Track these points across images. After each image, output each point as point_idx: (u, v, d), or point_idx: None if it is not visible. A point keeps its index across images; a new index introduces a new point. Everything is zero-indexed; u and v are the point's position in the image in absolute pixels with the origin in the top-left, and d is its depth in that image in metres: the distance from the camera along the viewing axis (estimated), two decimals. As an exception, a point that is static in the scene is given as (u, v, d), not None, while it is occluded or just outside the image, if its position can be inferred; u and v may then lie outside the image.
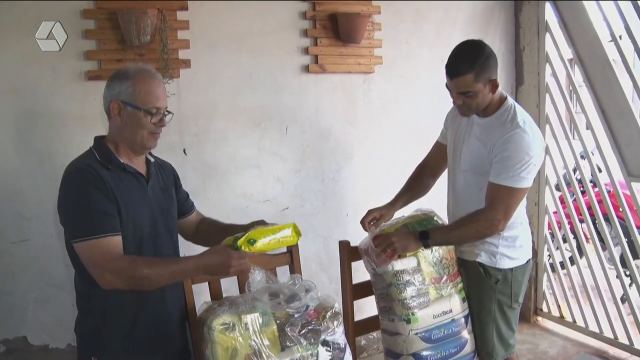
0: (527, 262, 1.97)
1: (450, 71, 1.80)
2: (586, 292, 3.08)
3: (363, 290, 1.99)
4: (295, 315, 1.53)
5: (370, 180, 2.85)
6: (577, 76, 3.02)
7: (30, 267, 2.19)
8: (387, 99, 2.86)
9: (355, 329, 1.98)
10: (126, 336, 1.51)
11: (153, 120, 1.52)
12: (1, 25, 2.06)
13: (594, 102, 2.85)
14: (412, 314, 1.79)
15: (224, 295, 1.75)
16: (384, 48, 2.79)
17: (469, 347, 1.91)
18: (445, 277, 1.86)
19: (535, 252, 3.14)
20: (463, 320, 1.90)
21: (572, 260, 3.19)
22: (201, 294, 1.73)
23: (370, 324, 2.02)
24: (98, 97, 1.56)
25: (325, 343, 1.56)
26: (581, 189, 3.29)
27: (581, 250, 3.14)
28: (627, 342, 2.90)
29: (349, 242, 1.98)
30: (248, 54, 2.50)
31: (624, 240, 2.95)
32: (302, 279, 1.65)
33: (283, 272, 1.86)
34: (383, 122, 2.86)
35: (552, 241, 3.32)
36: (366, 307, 2.05)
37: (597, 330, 3.05)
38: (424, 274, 1.82)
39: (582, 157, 3.13)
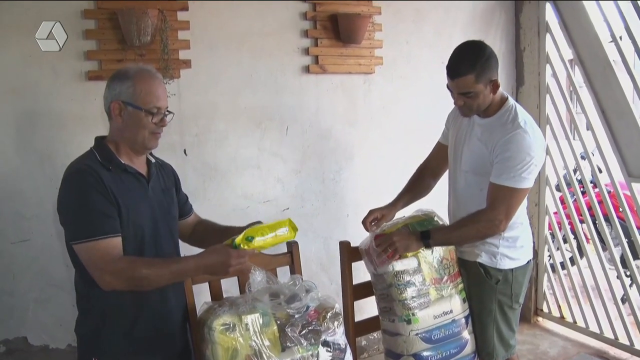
0: (528, 262, 1.97)
1: (451, 72, 1.80)
2: (586, 293, 3.08)
3: (363, 290, 1.99)
4: (296, 316, 1.53)
5: (370, 181, 2.85)
6: (578, 77, 3.03)
7: (31, 267, 2.19)
8: (388, 99, 2.86)
9: (355, 329, 1.98)
10: (126, 336, 1.51)
11: (154, 120, 1.52)
12: (1, 25, 2.06)
13: (594, 102, 2.85)
14: (413, 314, 1.79)
15: (224, 295, 1.75)
16: (385, 48, 2.79)
17: (469, 348, 1.91)
18: (445, 278, 1.86)
19: (535, 253, 3.14)
20: (463, 320, 1.90)
21: (573, 261, 3.20)
22: (202, 295, 1.73)
23: (370, 325, 2.02)
24: (98, 98, 1.56)
25: (325, 343, 1.56)
26: (581, 189, 3.29)
27: (581, 251, 3.14)
28: (627, 343, 2.90)
29: (349, 243, 1.98)
30: (248, 54, 2.50)
31: (624, 241, 2.95)
32: (302, 279, 1.65)
33: (283, 273, 1.86)
34: (383, 122, 2.86)
35: (553, 241, 3.33)
36: (367, 308, 2.05)
37: (598, 331, 3.05)
38: (424, 274, 1.82)
39: (582, 157, 3.13)
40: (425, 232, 1.80)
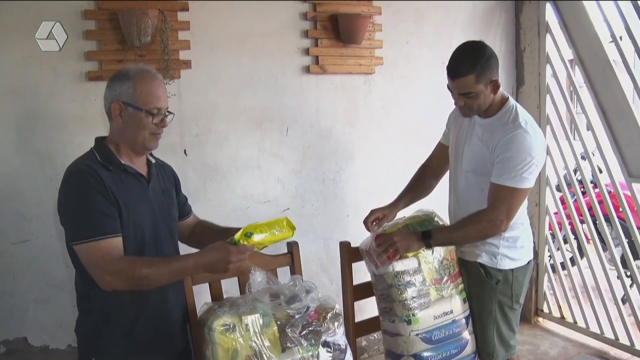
0: (528, 263, 1.97)
1: (451, 72, 1.80)
2: (587, 293, 3.08)
3: (364, 291, 1.99)
4: (296, 316, 1.53)
5: (370, 181, 2.84)
6: (578, 77, 3.03)
7: (31, 267, 2.19)
8: (388, 99, 2.86)
9: (355, 329, 1.98)
10: (127, 337, 1.51)
11: (154, 120, 1.52)
12: (2, 26, 2.06)
13: (594, 102, 2.85)
14: (413, 314, 1.78)
15: (224, 296, 1.75)
16: (385, 49, 2.79)
17: (469, 348, 1.91)
18: (446, 278, 1.86)
19: (536, 253, 3.14)
20: (464, 321, 1.90)
21: (573, 261, 3.20)
22: (202, 295, 1.73)
23: (371, 325, 2.02)
24: (99, 98, 1.56)
25: (326, 344, 1.56)
26: (582, 189, 3.29)
27: (582, 251, 3.14)
28: (628, 343, 2.90)
29: (349, 243, 1.98)
30: (249, 54, 2.50)
31: (625, 241, 2.94)
32: (302, 279, 1.65)
33: (284, 273, 1.86)
34: (384, 122, 2.86)
35: (553, 242, 3.32)
36: (367, 308, 2.05)
37: (598, 331, 3.05)
38: (424, 274, 1.82)
39: (582, 157, 3.13)
40: (426, 232, 1.80)
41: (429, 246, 1.80)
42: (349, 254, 1.97)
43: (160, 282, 1.46)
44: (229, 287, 1.84)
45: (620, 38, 2.69)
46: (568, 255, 3.27)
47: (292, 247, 1.93)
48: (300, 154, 2.68)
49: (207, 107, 2.44)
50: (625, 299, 2.97)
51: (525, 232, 1.96)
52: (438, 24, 2.96)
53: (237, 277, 1.79)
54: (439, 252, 1.86)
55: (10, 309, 2.18)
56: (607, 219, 3.04)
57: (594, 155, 3.05)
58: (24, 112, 2.14)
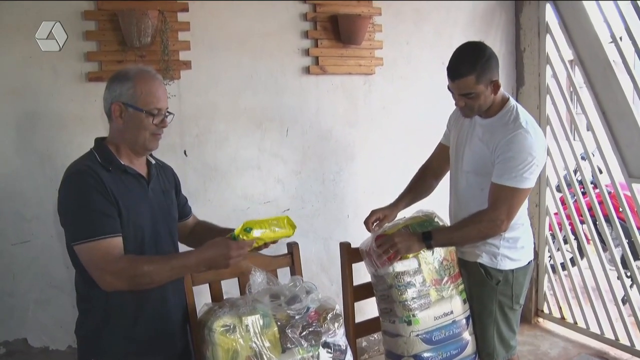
0: (529, 263, 1.97)
1: (451, 73, 1.80)
2: (587, 293, 3.08)
3: (364, 291, 1.98)
4: (296, 317, 1.53)
5: (371, 182, 2.84)
6: (578, 77, 3.03)
7: (31, 268, 2.19)
8: (388, 100, 2.86)
9: (356, 330, 1.98)
10: (127, 337, 1.51)
11: (155, 121, 1.52)
12: (2, 26, 2.06)
13: (594, 103, 2.85)
14: (413, 315, 1.78)
15: (224, 296, 1.75)
16: (385, 49, 2.79)
17: (470, 349, 1.91)
18: (446, 279, 1.86)
19: (536, 253, 3.14)
20: (464, 321, 1.89)
21: (573, 261, 3.20)
22: (202, 296, 1.73)
23: (371, 326, 2.02)
24: (98, 99, 1.56)
25: (326, 345, 1.56)
26: (582, 190, 3.29)
27: (582, 251, 3.14)
28: (628, 344, 2.90)
29: (349, 244, 1.98)
30: (249, 55, 2.50)
31: (625, 241, 2.94)
32: (302, 280, 1.65)
33: (284, 274, 1.86)
34: (384, 123, 2.86)
35: (553, 242, 3.33)
36: (367, 309, 2.05)
37: (598, 332, 3.05)
38: (424, 275, 1.82)
39: (582, 158, 3.13)
40: (426, 233, 1.80)
41: (429, 247, 1.80)
42: (349, 254, 1.97)
43: (161, 280, 1.45)
44: (229, 287, 1.84)
45: (620, 38, 2.69)
46: (568, 256, 3.27)
47: (292, 247, 1.93)
48: (301, 155, 2.68)
49: (207, 107, 2.44)
50: (626, 300, 2.97)
51: (525, 232, 1.96)
52: (438, 25, 2.96)
53: (237, 277, 1.79)
54: (439, 252, 1.86)
55: (10, 310, 2.18)
56: (607, 220, 3.04)
57: (594, 155, 3.05)
58: (24, 113, 2.14)
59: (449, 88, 1.86)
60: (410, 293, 1.78)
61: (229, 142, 2.51)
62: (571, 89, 3.18)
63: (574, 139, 3.05)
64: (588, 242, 3.18)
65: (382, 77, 2.82)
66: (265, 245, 1.61)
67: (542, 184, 3.17)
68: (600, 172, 3.07)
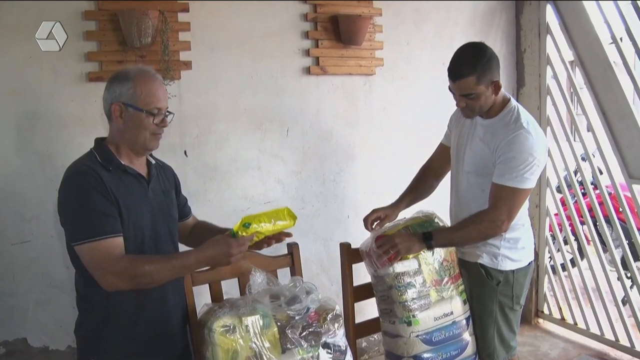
0: (529, 264, 1.97)
1: (452, 74, 1.80)
2: (587, 294, 3.08)
3: (364, 292, 1.98)
4: (296, 318, 1.53)
5: (371, 182, 2.84)
6: (578, 78, 3.03)
7: (31, 268, 2.19)
8: (388, 100, 2.86)
9: (356, 331, 1.98)
10: (127, 337, 1.51)
11: (155, 121, 1.52)
12: (2, 26, 2.06)
13: (594, 104, 2.85)
14: (413, 316, 1.78)
15: (224, 297, 1.75)
16: (385, 50, 2.79)
17: (470, 349, 1.91)
18: (446, 279, 1.86)
19: (536, 254, 3.14)
20: (464, 322, 1.89)
21: (573, 262, 3.19)
22: (202, 296, 1.73)
23: (371, 326, 2.01)
24: (99, 99, 1.56)
25: (326, 345, 1.56)
26: (582, 190, 3.29)
27: (582, 252, 3.14)
28: (628, 344, 2.90)
29: (349, 244, 1.98)
30: (249, 55, 2.50)
31: (625, 242, 2.94)
32: (302, 281, 1.65)
33: (284, 274, 1.86)
34: (384, 123, 2.86)
35: (553, 243, 3.32)
36: (367, 309, 2.05)
37: (598, 332, 3.05)
38: (424, 276, 1.82)
39: (583, 159, 3.13)
40: (427, 234, 1.80)
41: (430, 247, 1.80)
42: (349, 255, 1.96)
43: (162, 279, 1.45)
44: (229, 288, 1.84)
45: (621, 39, 2.69)
46: (568, 257, 3.27)
47: (293, 248, 1.93)
48: (301, 155, 2.68)
49: (207, 107, 2.44)
50: (626, 300, 2.97)
51: (526, 233, 1.96)
52: (438, 25, 2.96)
53: (237, 278, 1.79)
54: (439, 253, 1.86)
55: (10, 310, 2.18)
56: (608, 220, 3.04)
57: (594, 156, 3.05)
58: (24, 113, 2.14)
59: (449, 89, 1.86)
60: (410, 294, 1.78)
61: (229, 143, 2.51)
62: (571, 90, 3.18)
63: (575, 140, 3.05)
64: (588, 243, 3.18)
65: (383, 77, 2.82)
66: (268, 240, 1.61)
67: (542, 185, 3.17)
68: (601, 172, 3.07)
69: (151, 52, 2.25)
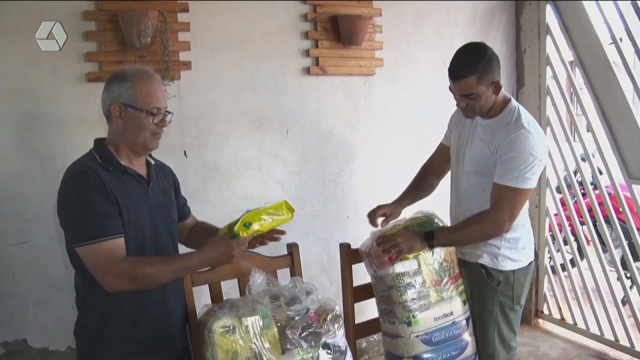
0: (529, 264, 1.97)
1: (452, 74, 1.80)
2: (587, 294, 3.08)
3: (364, 292, 1.98)
4: (296, 318, 1.53)
5: (371, 182, 2.84)
6: (578, 78, 3.03)
7: (31, 268, 2.19)
8: (388, 100, 2.86)
9: (356, 331, 1.97)
10: (126, 338, 1.51)
11: (155, 120, 1.52)
12: (2, 26, 2.06)
13: (594, 104, 2.85)
14: (413, 316, 1.78)
15: (224, 297, 1.75)
16: (385, 50, 2.79)
17: (470, 350, 1.91)
18: (446, 280, 1.86)
19: (536, 254, 3.13)
20: (464, 322, 1.89)
21: (573, 263, 3.19)
22: (202, 297, 1.73)
23: (371, 327, 2.01)
24: (98, 99, 1.56)
25: (326, 346, 1.56)
26: (582, 191, 3.29)
27: (582, 252, 3.13)
28: (628, 345, 2.90)
29: (349, 245, 1.98)
30: (249, 55, 2.50)
31: (625, 242, 2.94)
32: (302, 281, 1.65)
33: (284, 275, 1.86)
34: (384, 124, 2.86)
35: (553, 243, 3.32)
36: (367, 310, 2.04)
37: (598, 333, 3.05)
38: (424, 276, 1.82)
39: (582, 159, 3.13)
40: (429, 233, 1.80)
41: (431, 246, 1.80)
42: (349, 255, 1.96)
43: (164, 280, 1.47)
44: (229, 288, 1.84)
45: (621, 39, 2.69)
46: (568, 257, 3.27)
47: (292, 248, 1.93)
48: (301, 155, 2.68)
49: (207, 108, 2.44)
50: (625, 301, 2.97)
51: (526, 233, 1.96)
52: (438, 25, 2.96)
53: (237, 278, 1.79)
54: (439, 253, 1.86)
55: (10, 311, 2.18)
56: (607, 221, 3.05)
57: (594, 156, 3.05)
58: (24, 113, 2.14)
59: (450, 89, 1.86)
60: (410, 294, 1.78)
61: (229, 143, 2.51)
62: (571, 90, 3.18)
63: (574, 140, 3.05)
64: (588, 243, 3.18)
65: (383, 77, 2.82)
66: (262, 240, 1.62)
67: (542, 185, 3.17)
68: (600, 173, 3.07)
69: (151, 52, 2.25)
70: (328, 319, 1.56)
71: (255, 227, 1.51)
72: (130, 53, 2.22)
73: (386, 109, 2.86)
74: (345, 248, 1.97)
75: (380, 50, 2.78)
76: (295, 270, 1.91)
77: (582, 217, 3.12)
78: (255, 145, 2.57)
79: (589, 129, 2.93)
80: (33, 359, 2.23)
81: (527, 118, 1.83)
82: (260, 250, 1.72)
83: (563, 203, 3.25)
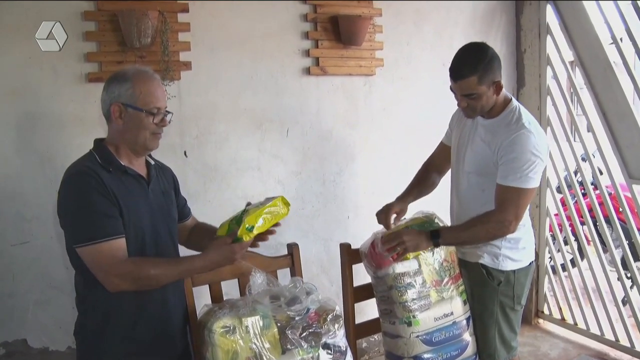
0: (530, 264, 1.97)
1: (453, 74, 1.80)
2: (587, 294, 3.07)
3: (364, 292, 1.98)
4: (296, 318, 1.53)
5: (371, 182, 2.84)
6: (578, 78, 3.03)
7: (31, 268, 2.19)
8: (388, 100, 2.85)
9: (356, 331, 1.97)
10: (127, 338, 1.51)
11: (155, 120, 1.52)
12: (2, 26, 2.06)
13: (594, 104, 2.85)
14: (413, 316, 1.78)
15: (224, 298, 1.75)
16: (385, 50, 2.79)
17: (470, 350, 1.91)
18: (446, 280, 1.86)
19: (536, 254, 3.13)
20: (464, 322, 1.89)
21: (573, 263, 3.19)
22: (202, 297, 1.73)
23: (371, 327, 2.01)
24: (98, 99, 1.56)
25: (326, 346, 1.56)
26: (582, 191, 3.29)
27: (582, 252, 3.13)
28: (628, 345, 2.90)
29: (349, 245, 1.97)
30: (249, 56, 2.50)
31: (625, 242, 2.94)
32: (303, 281, 1.65)
33: (284, 275, 1.86)
34: (384, 124, 2.86)
35: (554, 243, 3.32)
36: (367, 310, 2.05)
37: (598, 333, 3.05)
38: (425, 276, 1.82)
39: (583, 159, 3.13)
40: (434, 232, 1.79)
41: (437, 245, 1.80)
42: (350, 255, 1.96)
43: (166, 282, 1.49)
44: (229, 288, 1.84)
45: (621, 39, 2.69)
46: (568, 257, 3.27)
47: (293, 248, 1.93)
48: (301, 155, 2.68)
49: (207, 108, 2.44)
50: (626, 301, 2.97)
51: (527, 233, 1.95)
52: (438, 25, 2.96)
53: (237, 278, 1.79)
54: (440, 253, 1.86)
55: (10, 311, 2.18)
56: (608, 221, 3.04)
57: (594, 156, 3.04)
58: (24, 113, 2.14)
59: (451, 88, 1.85)
60: (411, 294, 1.78)
61: (229, 143, 2.51)
62: (572, 90, 3.18)
63: (575, 140, 3.05)
64: (588, 243, 3.18)
65: (383, 78, 2.82)
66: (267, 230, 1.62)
67: (542, 185, 3.17)
68: (601, 173, 3.06)
69: (151, 52, 2.25)
70: (328, 319, 1.56)
71: (257, 229, 1.51)
72: (130, 53, 2.22)
73: (386, 109, 2.85)
74: (345, 248, 1.97)
75: (381, 50, 2.78)
76: (295, 271, 1.91)
77: (582, 217, 3.12)
78: (255, 145, 2.57)
79: (589, 129, 2.93)
80: (33, 359, 2.23)
81: (527, 118, 1.83)
82: (260, 250, 1.71)
83: (563, 203, 3.25)
